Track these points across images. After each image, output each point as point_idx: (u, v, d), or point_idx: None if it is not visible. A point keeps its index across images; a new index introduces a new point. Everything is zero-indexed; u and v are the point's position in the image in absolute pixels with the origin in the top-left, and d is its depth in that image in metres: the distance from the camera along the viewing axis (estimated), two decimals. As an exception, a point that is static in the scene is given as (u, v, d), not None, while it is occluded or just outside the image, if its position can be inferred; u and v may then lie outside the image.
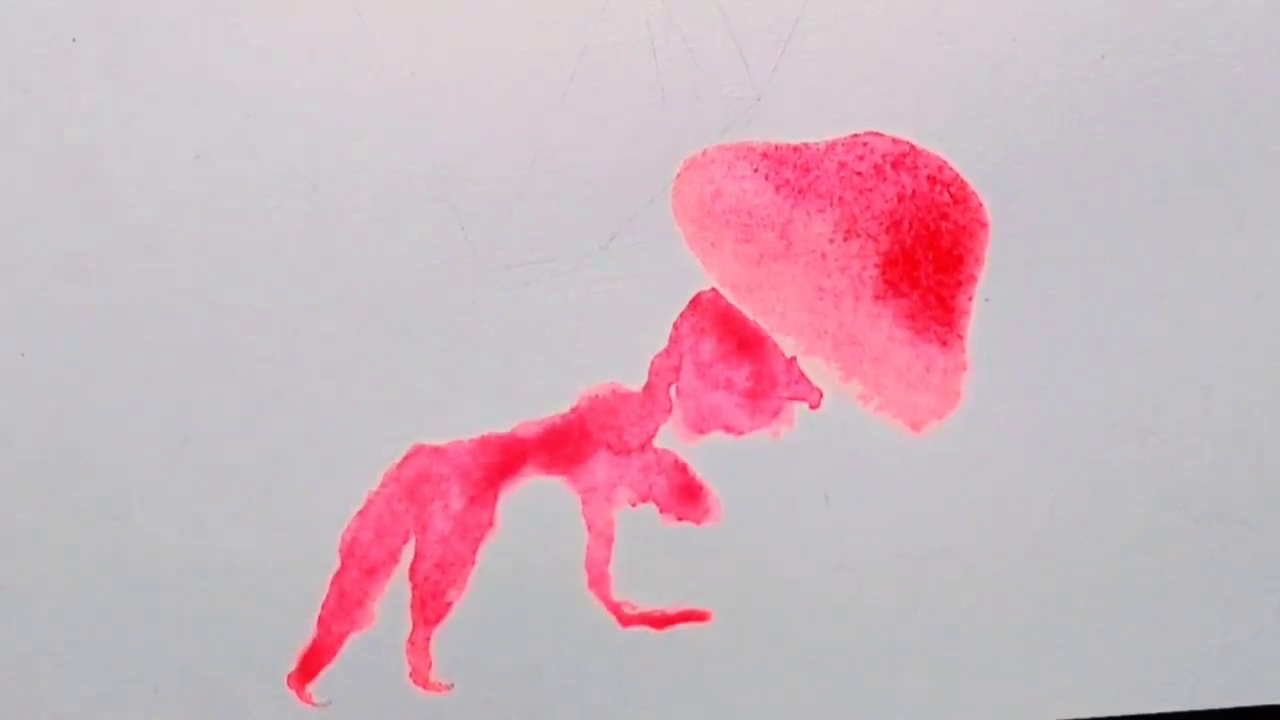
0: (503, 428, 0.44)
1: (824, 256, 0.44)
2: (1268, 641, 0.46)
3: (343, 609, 0.45)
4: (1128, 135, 0.43)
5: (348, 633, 0.45)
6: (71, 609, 0.45)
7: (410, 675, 0.45)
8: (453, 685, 0.46)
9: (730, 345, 0.44)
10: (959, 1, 0.42)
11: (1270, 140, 0.43)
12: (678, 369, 0.44)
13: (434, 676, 0.46)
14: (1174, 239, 0.44)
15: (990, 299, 0.44)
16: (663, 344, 0.44)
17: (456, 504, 0.45)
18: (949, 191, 0.43)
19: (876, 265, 0.44)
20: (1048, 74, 0.43)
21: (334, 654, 0.45)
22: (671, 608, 0.45)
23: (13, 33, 0.42)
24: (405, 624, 0.45)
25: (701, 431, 0.45)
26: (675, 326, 0.44)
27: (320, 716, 0.46)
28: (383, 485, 0.45)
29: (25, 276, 0.43)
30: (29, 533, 0.45)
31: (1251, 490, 0.45)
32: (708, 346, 0.44)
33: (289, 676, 0.45)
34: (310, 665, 0.45)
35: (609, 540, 0.45)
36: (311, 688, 0.45)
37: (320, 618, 0.45)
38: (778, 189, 0.44)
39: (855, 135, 0.43)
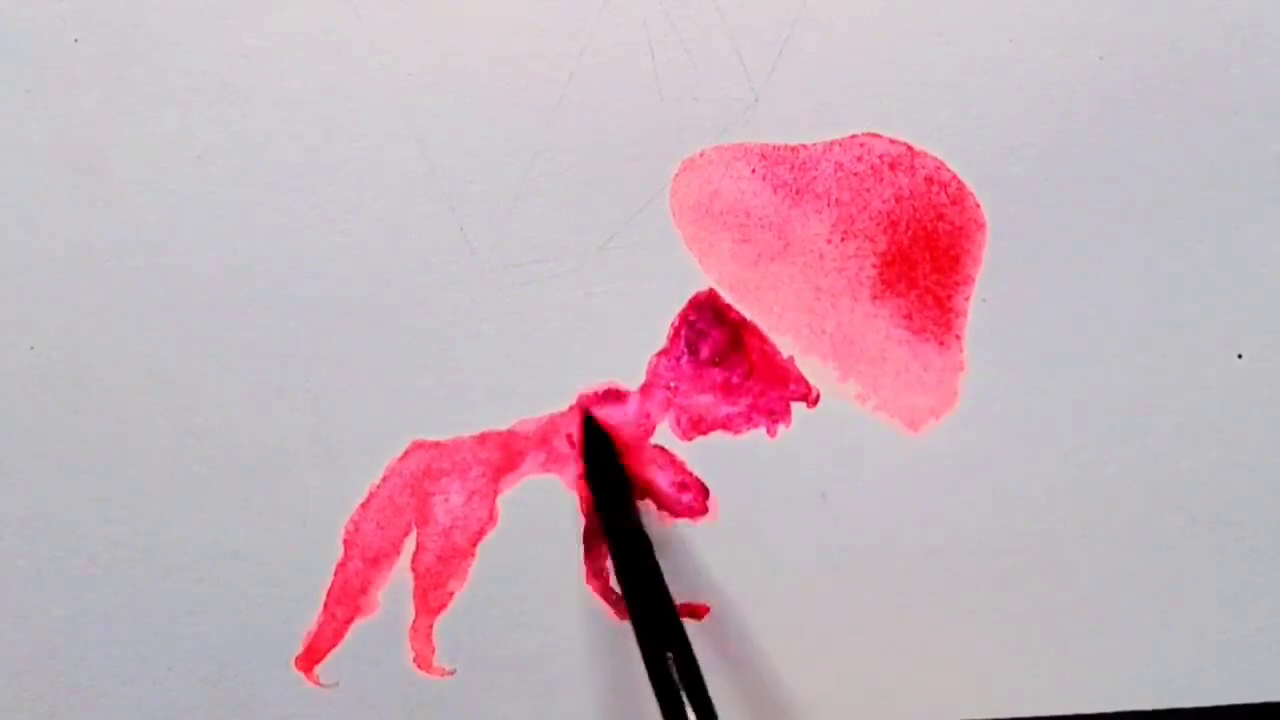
0: (502, 425, 0.45)
1: (821, 257, 0.44)
2: (1265, 640, 0.46)
3: (346, 595, 0.45)
4: (1126, 136, 0.43)
5: (352, 618, 0.46)
6: (90, 594, 0.46)
7: (414, 660, 0.46)
8: (455, 671, 0.46)
9: (728, 345, 0.44)
10: (957, 1, 0.42)
11: (1270, 140, 0.43)
12: (675, 368, 0.44)
13: (436, 662, 0.46)
14: (1172, 239, 0.43)
15: (987, 299, 0.44)
16: (661, 343, 0.44)
17: (456, 499, 0.45)
18: (946, 192, 0.43)
19: (874, 265, 0.44)
20: (1046, 74, 0.42)
21: (339, 638, 0.46)
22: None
23: (15, 32, 0.42)
24: (409, 611, 0.46)
25: (699, 430, 0.45)
26: (673, 326, 0.44)
27: (327, 697, 0.46)
28: (384, 479, 0.45)
29: (31, 273, 0.44)
30: (46, 522, 0.45)
31: (1250, 490, 0.45)
32: (705, 346, 0.44)
33: (296, 658, 0.46)
34: (317, 648, 0.46)
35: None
36: (319, 669, 0.46)
37: (325, 603, 0.45)
38: (775, 189, 0.43)
39: (853, 136, 0.43)
